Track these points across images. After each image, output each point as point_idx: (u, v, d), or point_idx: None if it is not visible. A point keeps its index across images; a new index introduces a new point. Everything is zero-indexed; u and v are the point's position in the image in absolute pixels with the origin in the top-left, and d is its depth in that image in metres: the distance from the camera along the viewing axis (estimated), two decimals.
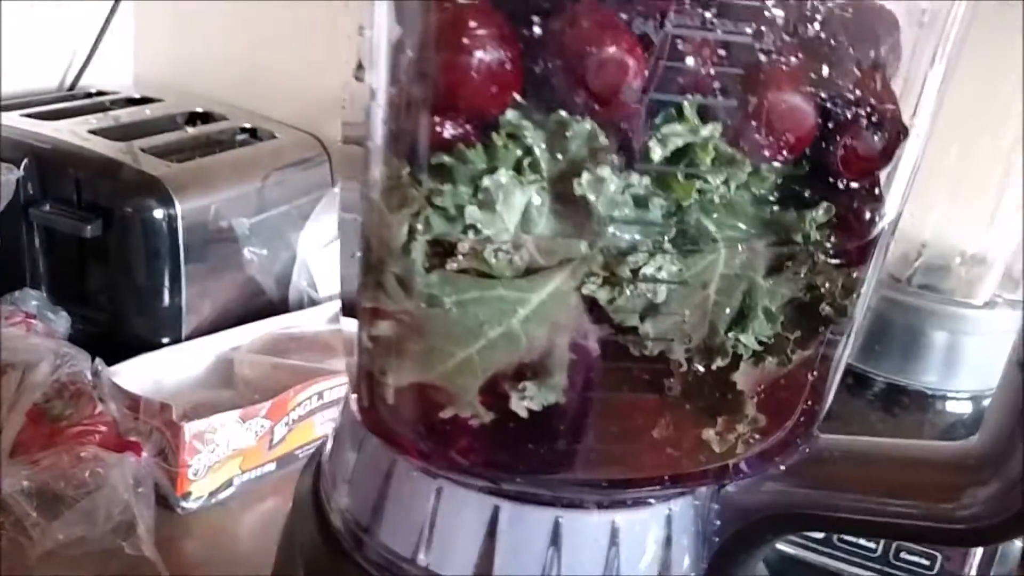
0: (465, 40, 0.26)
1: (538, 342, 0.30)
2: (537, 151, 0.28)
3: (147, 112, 0.90)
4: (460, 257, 0.28)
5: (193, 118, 0.91)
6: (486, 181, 0.27)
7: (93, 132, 0.80)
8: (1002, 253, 0.64)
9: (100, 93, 0.95)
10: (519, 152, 0.28)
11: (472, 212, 0.28)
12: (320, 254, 0.85)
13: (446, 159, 0.28)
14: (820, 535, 0.55)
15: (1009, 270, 0.64)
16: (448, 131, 0.28)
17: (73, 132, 0.79)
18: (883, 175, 0.31)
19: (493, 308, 0.29)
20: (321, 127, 0.92)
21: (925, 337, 0.61)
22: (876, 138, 0.29)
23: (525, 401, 0.30)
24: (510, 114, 0.27)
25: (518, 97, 0.27)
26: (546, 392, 0.30)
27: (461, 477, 0.33)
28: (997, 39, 0.44)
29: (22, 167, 0.75)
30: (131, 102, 0.93)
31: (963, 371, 0.61)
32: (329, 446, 0.39)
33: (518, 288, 0.29)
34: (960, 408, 0.62)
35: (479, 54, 0.26)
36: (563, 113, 0.27)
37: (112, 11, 0.98)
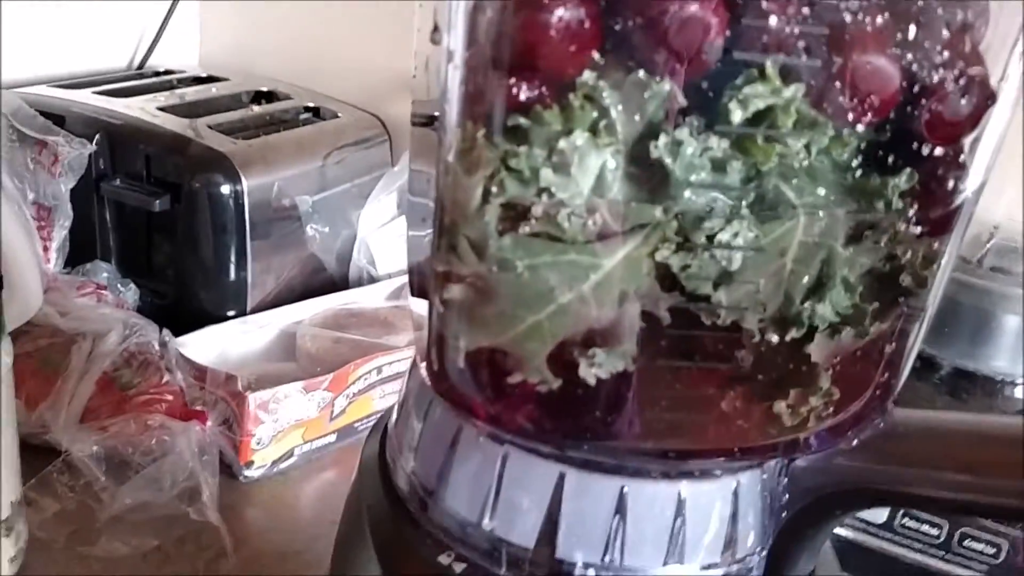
0: None
1: (608, 308, 0.29)
2: (614, 113, 0.27)
3: (213, 90, 0.91)
4: (533, 221, 0.28)
5: (258, 97, 0.93)
6: (561, 143, 0.27)
7: (162, 109, 0.81)
8: None
9: (168, 72, 0.97)
10: (595, 114, 0.27)
11: (546, 175, 0.28)
12: (379, 233, 0.86)
13: (522, 121, 0.27)
14: (881, 520, 0.54)
15: None
16: (524, 93, 0.28)
17: (142, 109, 0.81)
18: (967, 143, 0.30)
19: (564, 273, 0.29)
20: (382, 107, 0.92)
21: (996, 321, 0.60)
22: (963, 102, 0.28)
23: (594, 368, 0.30)
24: (587, 75, 0.27)
25: (597, 56, 0.27)
26: (615, 359, 0.30)
27: (527, 443, 0.33)
28: None
29: (94, 142, 0.77)
30: (197, 81, 0.95)
31: None
32: (395, 415, 0.39)
33: (590, 253, 0.29)
34: None
35: (559, 12, 0.26)
36: (641, 73, 0.27)
37: None
